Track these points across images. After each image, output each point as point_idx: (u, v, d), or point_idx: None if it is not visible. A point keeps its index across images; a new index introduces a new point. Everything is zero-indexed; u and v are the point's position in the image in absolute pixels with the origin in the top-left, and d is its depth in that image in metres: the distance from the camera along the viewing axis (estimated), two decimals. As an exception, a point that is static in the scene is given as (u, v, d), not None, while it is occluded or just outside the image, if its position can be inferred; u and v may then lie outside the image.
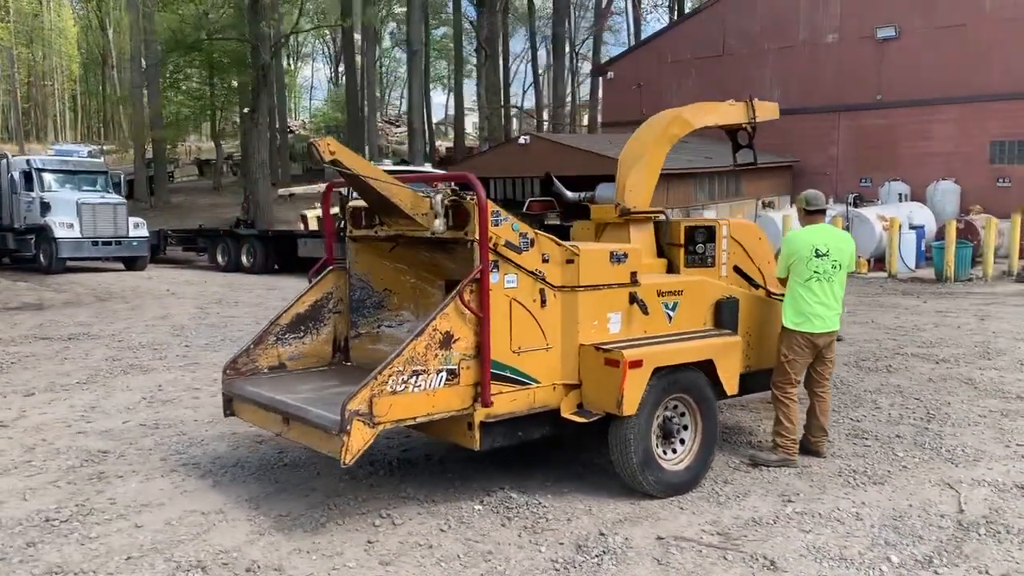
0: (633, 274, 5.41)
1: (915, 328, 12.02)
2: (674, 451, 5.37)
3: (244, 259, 22.72)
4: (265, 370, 5.61)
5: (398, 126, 68.09)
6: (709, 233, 6.24)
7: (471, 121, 52.90)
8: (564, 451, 6.02)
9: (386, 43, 63.74)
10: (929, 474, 5.76)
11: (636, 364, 4.96)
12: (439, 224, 4.83)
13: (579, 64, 45.14)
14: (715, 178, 21.45)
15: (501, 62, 41.38)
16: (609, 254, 5.31)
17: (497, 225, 4.85)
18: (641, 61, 27.27)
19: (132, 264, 22.13)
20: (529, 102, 57.61)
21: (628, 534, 4.65)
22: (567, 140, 23.03)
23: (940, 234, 18.92)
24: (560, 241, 5.18)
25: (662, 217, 6.22)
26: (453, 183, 5.17)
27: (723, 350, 5.51)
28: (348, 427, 4.32)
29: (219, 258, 23.45)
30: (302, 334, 5.77)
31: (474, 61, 54.62)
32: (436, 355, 4.61)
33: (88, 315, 13.51)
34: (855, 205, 19.26)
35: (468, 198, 4.86)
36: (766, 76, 24.48)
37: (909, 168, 21.71)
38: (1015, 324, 12.52)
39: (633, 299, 5.40)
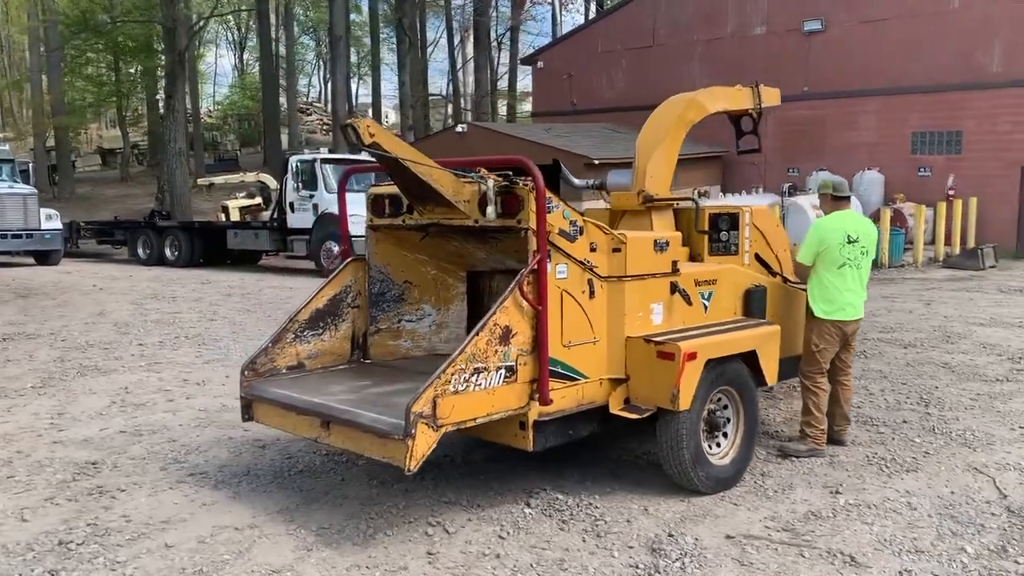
0: (674, 263, 5.23)
1: (869, 314, 12.26)
2: (718, 445, 5.23)
3: (168, 252, 21.70)
4: (283, 370, 5.21)
5: (309, 114, 66.42)
6: (733, 220, 6.12)
7: (383, 111, 51.91)
8: (588, 448, 5.81)
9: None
10: (953, 459, 5.78)
11: (691, 357, 4.78)
12: (491, 212, 4.53)
13: (500, 53, 44.97)
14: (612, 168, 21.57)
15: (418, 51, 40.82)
16: (653, 242, 5.11)
17: (549, 212, 4.58)
18: (571, 51, 27.21)
19: (44, 258, 20.87)
20: (445, 91, 56.96)
21: (695, 534, 4.48)
22: (505, 129, 22.79)
23: (871, 222, 19.49)
24: (608, 229, 4.95)
25: (691, 204, 6.05)
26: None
27: (766, 340, 5.40)
28: (413, 431, 4.00)
29: (140, 251, 22.33)
30: (320, 331, 5.38)
31: (387, 49, 53.78)
32: (496, 351, 4.33)
33: (14, 313, 12.58)
34: (790, 194, 19.66)
35: (521, 183, 4.58)
36: (696, 67, 24.75)
37: (835, 158, 22.30)
38: (960, 309, 12.95)
39: (675, 289, 5.23)
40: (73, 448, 5.99)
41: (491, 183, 4.54)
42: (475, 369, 4.23)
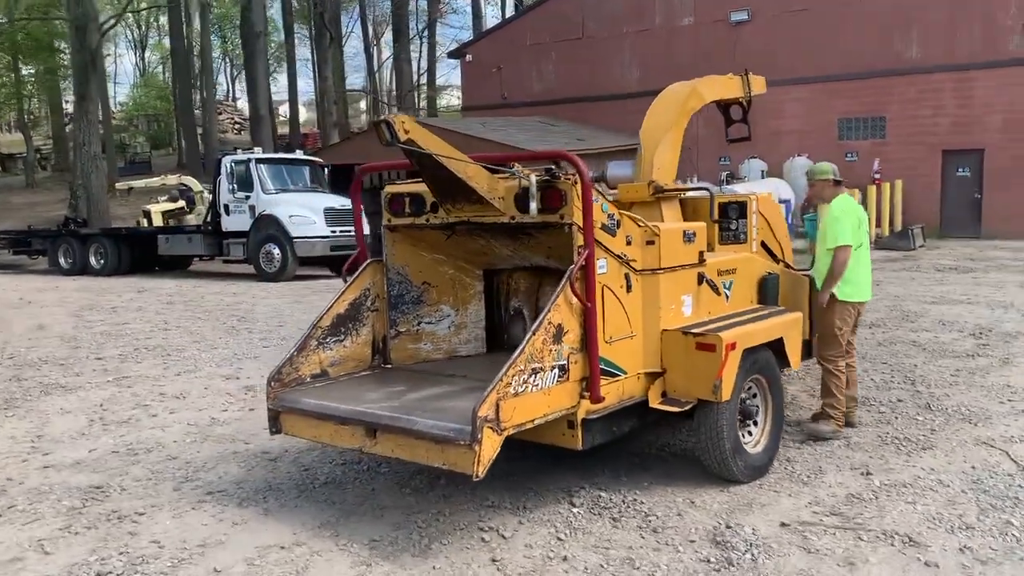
0: (701, 254, 5.22)
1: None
2: (750, 433, 5.25)
3: (93, 260, 20.78)
4: (308, 379, 4.99)
5: (219, 113, 64.51)
6: (742, 209, 6.15)
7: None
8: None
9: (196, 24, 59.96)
10: (960, 435, 5.95)
11: (732, 347, 4.78)
12: (534, 208, 4.42)
13: (422, 47, 44.46)
14: (589, 161, 21.65)
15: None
16: (683, 233, 5.09)
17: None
18: (500, 44, 27.12)
19: (-44, 271, 19.73)
20: (363, 86, 56.08)
21: (750, 524, 4.48)
22: (440, 124, 22.53)
23: (804, 207, 20.05)
24: (643, 221, 4.90)
25: (705, 193, 6.05)
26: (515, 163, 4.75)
27: (792, 327, 5.45)
28: (480, 435, 3.87)
29: (62, 260, 21.32)
30: (342, 336, 5.18)
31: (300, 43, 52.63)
32: (550, 350, 4.23)
33: (-57, 330, 11.81)
34: (727, 182, 20.05)
35: (563, 178, 4.48)
36: (625, 59, 24.99)
37: (765, 146, 22.78)
38: (906, 288, 13.43)
39: (703, 279, 5.22)
40: (68, 472, 5.63)
41: (533, 178, 4.43)
42: (533, 369, 4.13)
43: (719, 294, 5.30)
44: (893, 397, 7.00)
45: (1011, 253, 18.38)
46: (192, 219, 23.79)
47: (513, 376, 4.02)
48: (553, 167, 4.55)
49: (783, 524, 4.47)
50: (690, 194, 6.26)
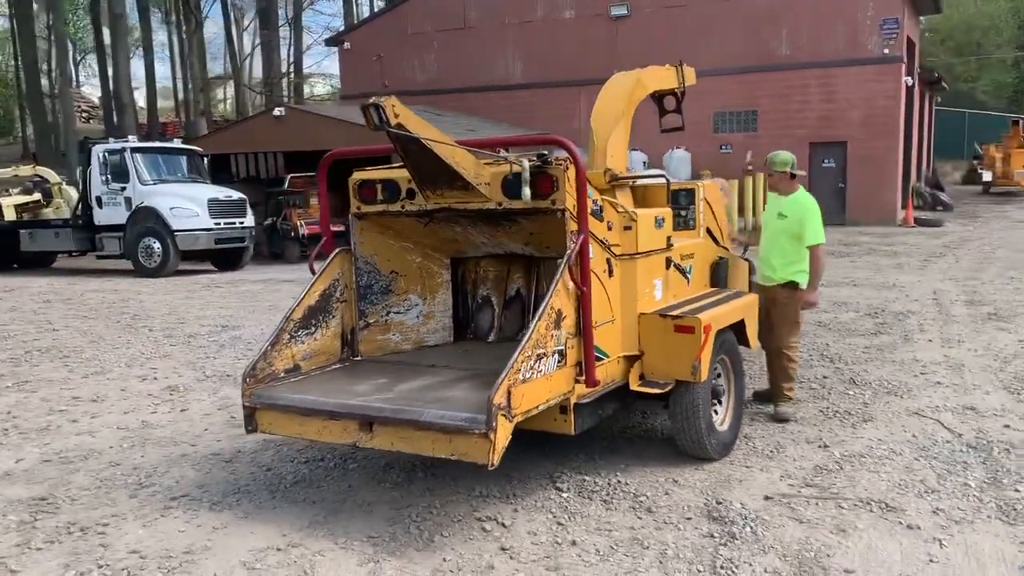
0: (668, 239, 5.34)
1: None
2: (716, 412, 5.41)
3: (-59, 259, 19.10)
4: (281, 373, 4.79)
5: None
6: (690, 196, 6.32)
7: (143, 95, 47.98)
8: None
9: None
10: (892, 407, 6.34)
11: (708, 329, 4.91)
12: (527, 193, 4.39)
13: (291, 33, 43.02)
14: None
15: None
16: (654, 219, 5.19)
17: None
18: (380, 32, 26.68)
19: None
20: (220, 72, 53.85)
21: (736, 499, 4.62)
22: (327, 112, 21.93)
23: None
24: (622, 206, 4.96)
25: (663, 181, 6.16)
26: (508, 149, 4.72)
27: (750, 309, 5.65)
28: (495, 423, 3.82)
29: (-98, 260, 19.47)
30: (313, 329, 4.99)
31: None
32: (552, 336, 4.23)
33: None
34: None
35: (555, 163, 4.47)
36: (508, 50, 25.12)
37: (645, 138, 23.37)
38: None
39: (670, 263, 5.34)
40: (0, 486, 5.17)
41: (527, 164, 4.40)
42: (538, 355, 4.11)
43: (686, 278, 5.43)
44: (819, 374, 7.38)
45: (875, 238, 19.70)
46: (50, 213, 22.24)
47: (523, 363, 3.99)
48: (545, 152, 4.53)
49: (767, 497, 4.65)
50: (641, 182, 6.37)
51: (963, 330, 9.10)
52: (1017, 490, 4.67)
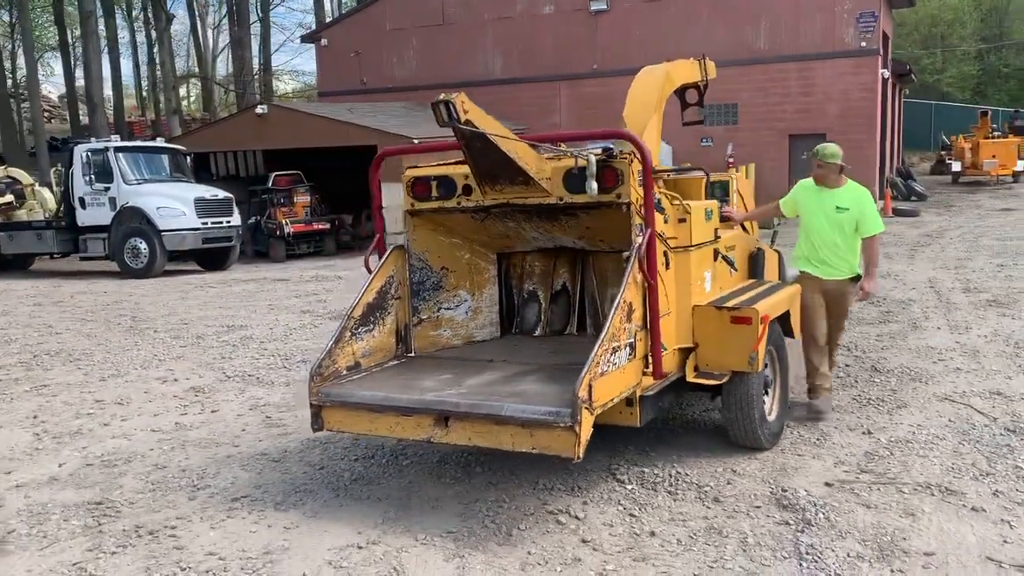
0: (716, 231, 5.40)
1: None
2: (764, 402, 5.49)
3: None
4: (344, 371, 4.77)
5: (24, 99, 59.11)
6: (724, 188, 6.39)
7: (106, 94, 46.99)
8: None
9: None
10: (921, 393, 6.46)
11: (765, 320, 4.98)
12: (593, 188, 4.42)
13: (261, 30, 42.49)
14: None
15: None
16: (704, 211, 5.24)
17: (640, 186, 4.55)
18: (358, 28, 26.49)
19: None
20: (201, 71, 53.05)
21: (799, 486, 4.70)
22: (309, 109, 21.73)
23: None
24: (677, 198, 5.00)
25: (700, 174, 6.21)
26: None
27: (795, 301, 5.73)
28: (579, 416, 3.85)
29: None
30: (371, 326, 4.98)
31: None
32: (625, 329, 4.26)
33: None
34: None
35: (619, 157, 4.50)
36: (488, 45, 25.09)
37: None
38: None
39: (717, 255, 5.40)
40: (50, 490, 5.10)
41: (592, 158, 4.43)
42: (613, 348, 4.15)
43: (734, 269, 5.50)
44: (840, 362, 7.49)
45: (856, 229, 20.00)
46: (24, 215, 21.81)
47: (602, 355, 4.02)
48: (611, 147, 4.56)
49: (827, 484, 4.73)
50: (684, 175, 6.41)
51: (968, 317, 9.28)
52: (1067, 471, 4.80)
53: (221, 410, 6.77)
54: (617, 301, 4.19)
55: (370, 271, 5.08)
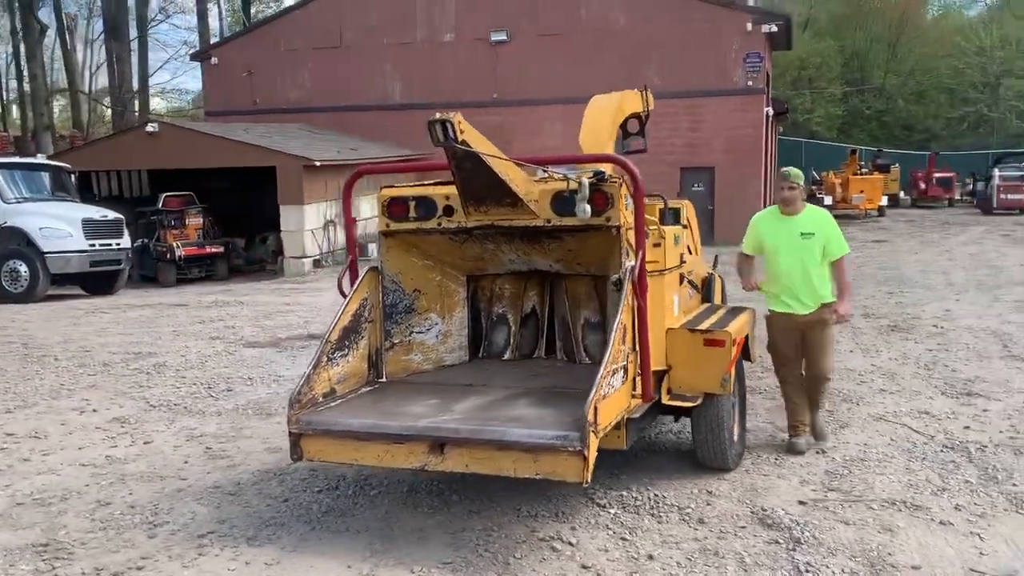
0: (681, 255, 5.50)
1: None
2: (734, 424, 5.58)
3: None
4: (320, 398, 4.57)
5: None
6: (676, 215, 6.52)
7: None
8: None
9: None
10: (856, 414, 6.73)
11: (738, 343, 5.09)
12: (587, 210, 4.42)
13: (140, 47, 40.63)
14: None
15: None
16: (674, 236, 5.33)
17: (627, 209, 4.60)
18: (251, 48, 25.75)
19: None
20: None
21: (775, 505, 4.80)
22: (202, 128, 20.88)
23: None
24: (654, 222, 5.07)
25: (657, 199, 6.30)
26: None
27: (752, 323, 5.88)
28: (588, 440, 3.82)
29: None
30: (346, 351, 4.79)
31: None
32: (621, 351, 4.27)
33: None
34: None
35: (610, 180, 4.53)
36: (387, 71, 24.90)
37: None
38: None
39: (683, 279, 5.50)
40: (12, 533, 4.64)
41: (585, 181, 4.43)
42: (613, 371, 4.14)
43: (699, 294, 5.61)
44: (768, 384, 7.73)
45: (746, 259, 20.87)
46: None
47: (605, 379, 4.01)
48: (603, 171, 4.58)
49: (801, 503, 4.86)
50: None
51: (875, 341, 9.79)
52: (1015, 484, 5.10)
53: (154, 442, 6.37)
54: (616, 323, 4.19)
55: (343, 293, 4.91)
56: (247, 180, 21.25)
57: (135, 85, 35.24)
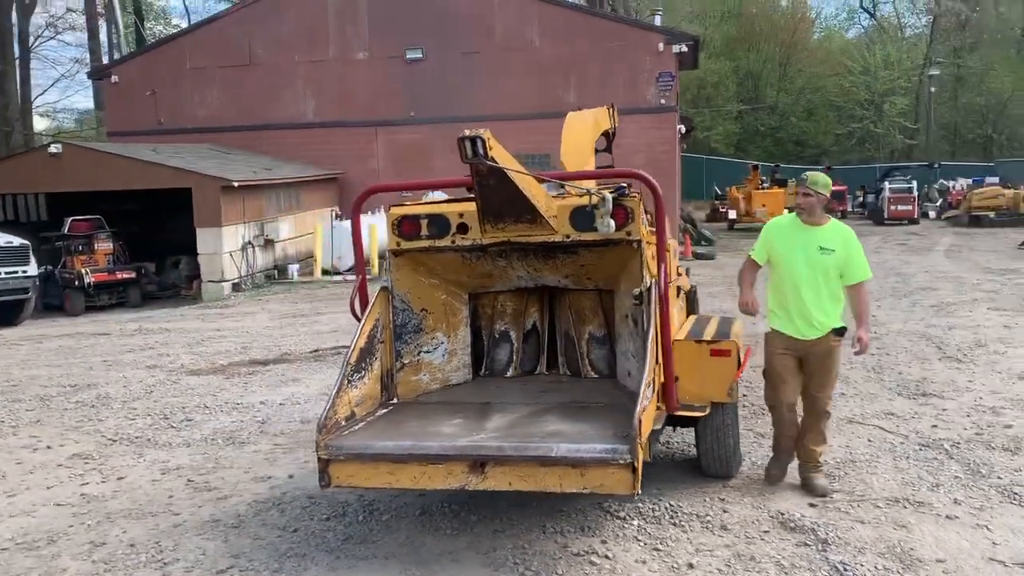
0: (677, 268, 5.60)
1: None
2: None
3: None
4: (343, 422, 4.44)
5: None
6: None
7: None
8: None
9: None
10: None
11: (747, 352, 5.21)
12: (610, 225, 4.45)
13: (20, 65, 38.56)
14: (280, 190, 20.86)
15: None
16: (673, 250, 5.42)
17: (644, 223, 4.67)
18: (154, 65, 24.83)
19: None
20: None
21: (790, 509, 4.92)
22: (108, 148, 19.92)
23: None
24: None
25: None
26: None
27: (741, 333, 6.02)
28: (637, 452, 3.84)
29: None
30: (363, 373, 4.68)
31: None
32: (656, 364, 4.31)
33: None
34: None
35: (630, 196, 4.58)
36: (299, 88, 24.45)
37: (442, 179, 23.85)
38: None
39: (679, 291, 5.61)
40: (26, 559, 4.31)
41: (608, 196, 4.47)
42: (649, 383, 4.18)
43: (695, 305, 5.72)
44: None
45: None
46: None
47: (644, 391, 4.04)
48: (624, 185, 4.62)
49: (812, 505, 4.99)
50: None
51: (817, 348, 10.16)
52: (999, 477, 5.38)
53: (128, 477, 6.04)
54: (651, 337, 4.23)
55: (355, 314, 4.80)
56: (153, 202, 20.47)
57: (30, 102, 33.46)
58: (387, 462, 4.14)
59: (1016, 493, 5.07)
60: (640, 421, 3.92)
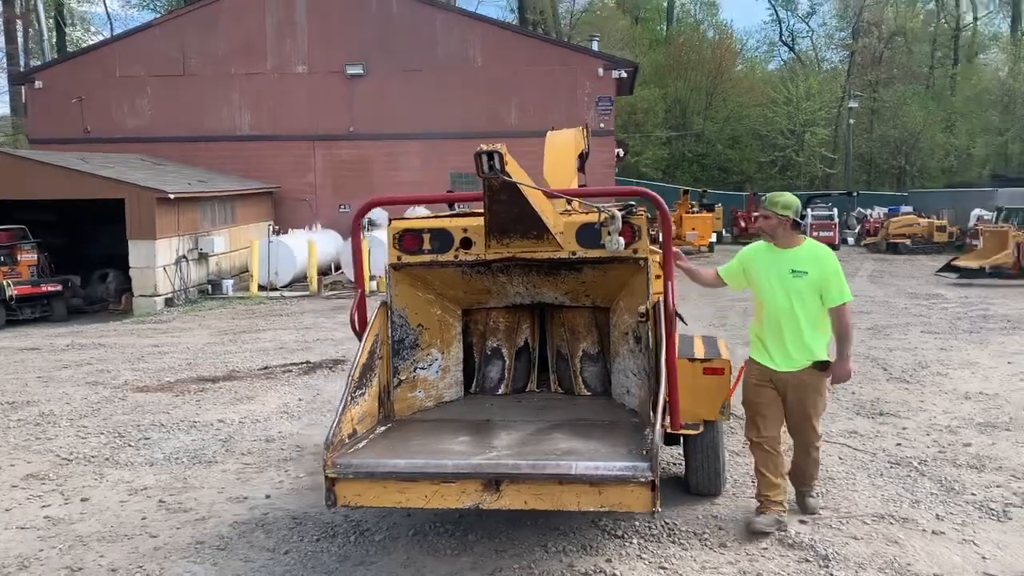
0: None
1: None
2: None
3: None
4: (346, 440, 4.31)
5: None
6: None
7: None
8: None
9: None
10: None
11: (741, 369, 5.27)
12: (619, 243, 4.46)
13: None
14: (215, 203, 20.32)
15: None
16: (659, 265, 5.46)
17: (641, 240, 4.70)
18: (82, 72, 23.97)
19: None
20: None
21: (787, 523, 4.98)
22: (36, 156, 19.02)
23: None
24: (655, 251, 5.17)
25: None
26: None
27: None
28: (657, 470, 3.83)
29: None
30: (363, 390, 4.56)
31: None
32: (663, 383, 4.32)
33: None
34: (368, 229, 20.39)
35: (637, 213, 4.61)
36: (235, 100, 23.96)
37: (383, 194, 23.65)
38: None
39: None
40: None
41: (618, 214, 4.48)
42: (663, 401, 4.18)
43: (683, 323, 5.75)
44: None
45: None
46: None
47: (660, 409, 4.05)
48: (632, 203, 4.64)
49: (802, 522, 5.07)
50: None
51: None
52: (974, 494, 5.55)
53: (92, 498, 5.76)
54: (665, 356, 4.25)
55: (355, 331, 4.69)
56: (76, 213, 19.73)
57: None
58: (397, 480, 4.03)
59: (992, 509, 5.24)
60: (656, 439, 3.92)
